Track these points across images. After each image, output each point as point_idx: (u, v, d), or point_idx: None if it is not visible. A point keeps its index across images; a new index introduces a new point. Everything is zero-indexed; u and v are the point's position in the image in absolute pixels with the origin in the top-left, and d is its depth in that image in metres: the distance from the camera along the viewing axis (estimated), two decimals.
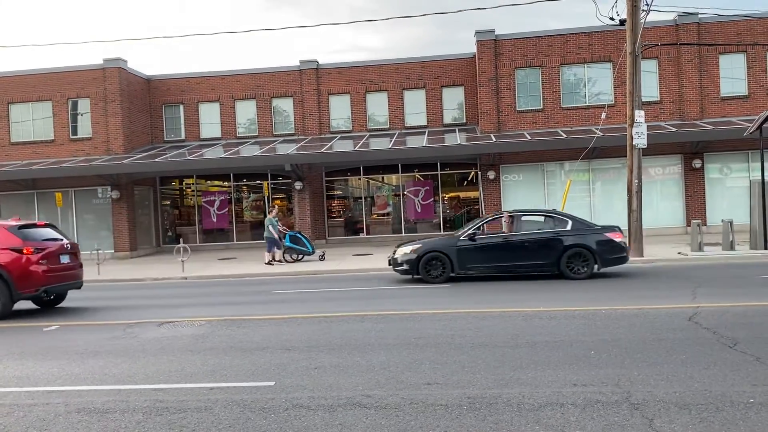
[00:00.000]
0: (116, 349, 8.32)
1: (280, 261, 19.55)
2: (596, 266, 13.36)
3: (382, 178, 27.60)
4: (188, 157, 24.23)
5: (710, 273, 13.54)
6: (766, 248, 16.20)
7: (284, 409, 5.52)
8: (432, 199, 26.49)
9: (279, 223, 19.94)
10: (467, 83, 26.18)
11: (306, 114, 26.99)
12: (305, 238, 20.07)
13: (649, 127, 18.93)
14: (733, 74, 23.34)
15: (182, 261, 18.96)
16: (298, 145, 25.08)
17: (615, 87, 23.49)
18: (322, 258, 19.86)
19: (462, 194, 27.18)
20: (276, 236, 19.44)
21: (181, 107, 28.00)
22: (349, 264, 18.56)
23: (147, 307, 12.44)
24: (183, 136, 28.00)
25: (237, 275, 17.72)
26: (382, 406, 5.47)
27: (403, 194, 26.78)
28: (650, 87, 23.22)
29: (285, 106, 27.58)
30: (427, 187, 26.56)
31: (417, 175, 26.89)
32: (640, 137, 16.21)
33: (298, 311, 10.85)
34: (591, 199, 24.21)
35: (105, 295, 15.03)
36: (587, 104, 24.13)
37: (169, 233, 28.54)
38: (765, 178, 16.64)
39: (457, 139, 23.92)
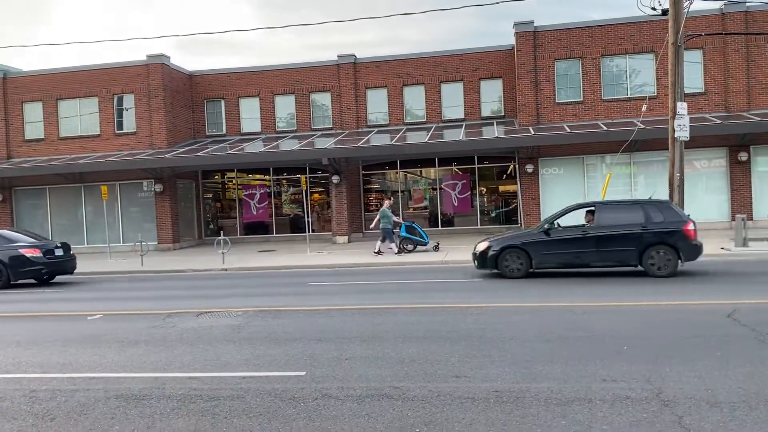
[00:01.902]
0: (155, 338, 8.58)
1: (380, 252, 19.32)
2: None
3: (420, 171, 27.58)
4: (229, 152, 24.66)
5: (753, 269, 13.17)
6: None
7: (313, 399, 5.64)
8: (469, 192, 26.36)
9: (393, 215, 19.90)
10: (506, 75, 25.91)
11: (343, 108, 27.14)
12: (420, 228, 20.19)
13: (692, 119, 18.43)
14: None
15: (222, 253, 19.35)
16: (336, 139, 25.26)
17: (657, 78, 22.93)
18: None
19: (501, 187, 26.96)
20: (390, 227, 19.44)
21: (222, 102, 28.47)
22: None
23: (186, 298, 12.77)
24: (224, 131, 28.48)
25: (275, 267, 18.00)
26: (410, 398, 5.53)
27: (440, 188, 26.71)
28: (694, 78, 22.57)
29: (323, 100, 27.77)
30: (464, 181, 26.44)
31: (454, 168, 26.79)
32: (682, 130, 15.80)
33: (333, 302, 10.99)
34: (632, 192, 23.71)
35: (147, 286, 15.46)
36: (629, 96, 23.61)
37: (211, 226, 29.12)
38: None
39: (494, 132, 23.72)
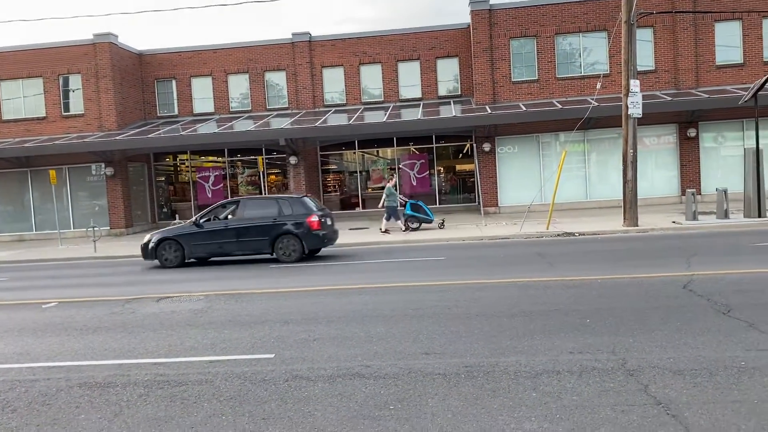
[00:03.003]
0: (115, 325, 8.36)
1: (387, 231, 19.39)
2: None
3: (378, 151, 27.51)
4: (181, 133, 24.07)
5: (704, 241, 13.63)
6: (760, 216, 16.29)
7: (284, 381, 5.59)
8: (427, 172, 26.47)
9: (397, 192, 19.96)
10: (462, 54, 25.97)
11: (299, 87, 26.78)
12: (425, 206, 20.09)
13: (644, 97, 18.84)
14: (728, 42, 23.18)
15: None
16: (292, 119, 24.93)
17: (610, 56, 23.35)
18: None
19: (458, 166, 27.15)
20: (395, 205, 19.47)
21: (174, 82, 27.73)
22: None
23: (144, 283, 12.48)
24: (176, 112, 27.78)
25: None
26: (381, 376, 5.54)
27: (399, 168, 26.72)
28: (646, 56, 23.08)
29: (278, 79, 27.33)
30: (423, 160, 26.52)
31: (412, 148, 26.81)
32: (635, 107, 16.16)
33: (297, 284, 10.90)
34: (586, 169, 24.22)
35: (101, 272, 15.05)
36: (582, 74, 23.97)
37: (165, 209, 28.48)
38: (759, 146, 16.65)
39: (452, 111, 23.80)
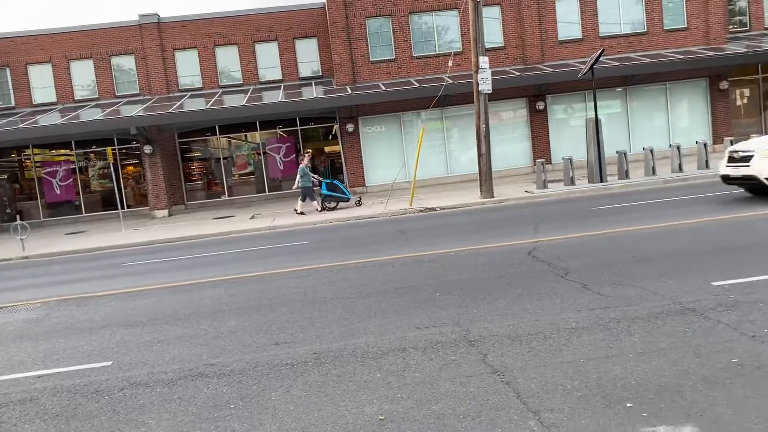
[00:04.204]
0: None
1: (302, 212, 18.83)
2: None
3: (245, 136, 26.63)
4: (20, 126, 21.97)
5: (552, 208, 14.48)
6: (602, 181, 17.57)
7: (119, 390, 5.21)
8: (294, 155, 26.05)
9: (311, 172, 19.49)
10: (320, 35, 25.67)
11: (150, 72, 25.28)
12: (342, 185, 19.59)
13: (494, 73, 19.65)
14: (568, 18, 24.65)
15: (21, 240, 17.35)
16: (144, 106, 23.52)
17: (462, 34, 24.06)
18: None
19: (327, 148, 26.94)
20: (309, 185, 18.93)
21: (8, 71, 25.19)
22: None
23: None
24: (12, 103, 25.30)
25: (86, 250, 16.52)
26: (226, 373, 5.32)
27: (265, 152, 26.09)
28: (495, 33, 24.01)
29: (127, 64, 25.62)
30: (288, 144, 26.06)
31: (278, 131, 26.26)
32: (485, 83, 16.76)
33: (148, 282, 10.29)
34: (446, 145, 24.94)
35: None
36: (437, 53, 24.51)
37: (8, 210, 25.94)
38: (598, 116, 17.90)
39: (313, 92, 23.53)
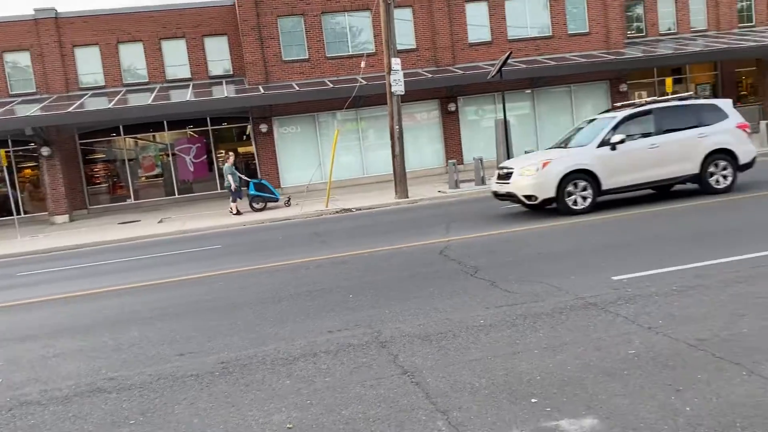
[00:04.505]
0: None
1: (239, 212, 18.25)
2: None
3: (153, 136, 25.58)
4: None
5: (463, 208, 14.76)
6: None
7: (8, 410, 4.83)
8: (205, 156, 25.33)
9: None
10: (231, 33, 25.07)
11: (48, 69, 23.86)
12: (270, 185, 19.04)
13: (407, 74, 19.86)
14: (478, 21, 25.26)
15: None
16: (42, 105, 22.18)
17: (375, 36, 24.16)
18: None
19: (241, 149, 26.29)
20: (235, 185, 18.33)
21: None
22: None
23: None
24: None
25: None
26: (126, 388, 5.03)
27: (173, 153, 25.20)
28: (407, 35, 24.25)
29: (22, 61, 24.09)
30: (199, 144, 25.30)
31: (188, 131, 25.43)
32: (397, 84, 16.89)
33: (44, 293, 9.67)
34: (362, 146, 24.97)
35: None
36: (351, 53, 24.49)
37: None
38: (506, 117, 18.43)
39: (224, 91, 22.96)
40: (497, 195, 12.44)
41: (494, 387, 4.27)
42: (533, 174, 11.36)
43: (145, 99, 22.18)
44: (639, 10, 28.53)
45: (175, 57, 24.96)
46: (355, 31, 24.83)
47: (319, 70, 24.30)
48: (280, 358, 5.34)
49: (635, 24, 28.63)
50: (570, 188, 11.20)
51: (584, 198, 11.27)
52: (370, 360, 5.06)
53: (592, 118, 13.03)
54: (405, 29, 23.89)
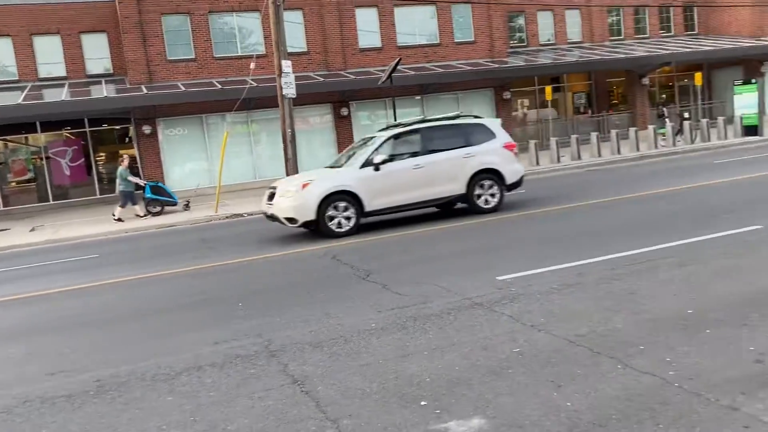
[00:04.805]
0: None
1: (120, 219, 16.96)
2: None
3: (25, 138, 23.65)
4: None
5: None
6: None
7: None
8: (83, 159, 23.80)
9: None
10: (111, 30, 23.75)
11: None
12: (167, 188, 17.98)
13: (298, 78, 19.63)
14: (368, 27, 25.49)
15: None
16: None
17: (265, 37, 23.74)
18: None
19: (123, 152, 24.90)
20: (131, 189, 17.26)
21: None
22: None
23: None
24: None
25: None
26: None
27: (47, 156, 23.48)
28: (298, 38, 24.05)
29: None
30: (76, 147, 23.74)
31: (64, 133, 23.78)
32: (289, 87, 16.66)
33: None
34: (254, 150, 24.46)
35: None
36: (240, 54, 23.91)
37: None
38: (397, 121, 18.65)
39: (103, 91, 21.71)
40: (267, 216, 11.65)
41: (385, 391, 4.25)
42: (293, 195, 10.90)
43: (15, 98, 20.56)
44: (521, 21, 29.96)
45: (49, 54, 23.32)
46: (244, 32, 24.30)
47: (207, 71, 23.55)
48: (162, 373, 5.05)
49: (517, 34, 30.04)
50: (331, 211, 10.74)
51: (348, 219, 10.86)
52: (259, 371, 4.89)
53: (369, 136, 12.61)
54: (296, 32, 23.67)
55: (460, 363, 4.61)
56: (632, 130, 22.06)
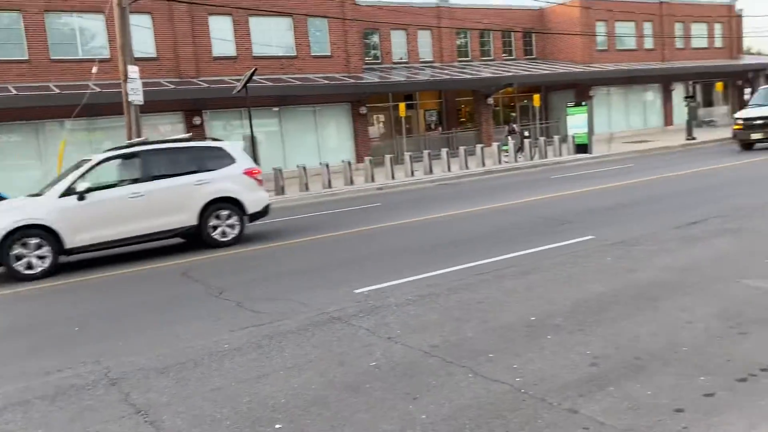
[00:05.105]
0: None
1: None
2: None
3: None
4: None
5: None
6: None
7: None
8: None
9: None
10: None
11: None
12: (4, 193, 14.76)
13: (148, 84, 18.58)
14: (222, 35, 24.80)
15: None
16: None
17: (110, 41, 22.27)
18: None
19: None
20: None
21: None
22: None
23: None
24: None
25: None
26: None
27: None
28: (146, 43, 22.81)
29: None
30: None
31: None
32: (135, 93, 15.71)
33: None
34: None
35: None
36: (81, 57, 22.22)
37: None
38: (253, 132, 18.30)
39: None
40: None
41: (237, 416, 4.05)
42: None
43: None
44: (375, 38, 30.70)
45: None
46: (87, 34, 22.64)
47: (43, 74, 21.61)
48: None
49: (372, 51, 30.73)
50: (18, 249, 9.15)
51: (41, 258, 9.31)
52: (97, 402, 4.47)
53: (86, 158, 10.58)
54: (144, 36, 22.44)
55: (318, 381, 4.51)
56: (479, 146, 23.30)
